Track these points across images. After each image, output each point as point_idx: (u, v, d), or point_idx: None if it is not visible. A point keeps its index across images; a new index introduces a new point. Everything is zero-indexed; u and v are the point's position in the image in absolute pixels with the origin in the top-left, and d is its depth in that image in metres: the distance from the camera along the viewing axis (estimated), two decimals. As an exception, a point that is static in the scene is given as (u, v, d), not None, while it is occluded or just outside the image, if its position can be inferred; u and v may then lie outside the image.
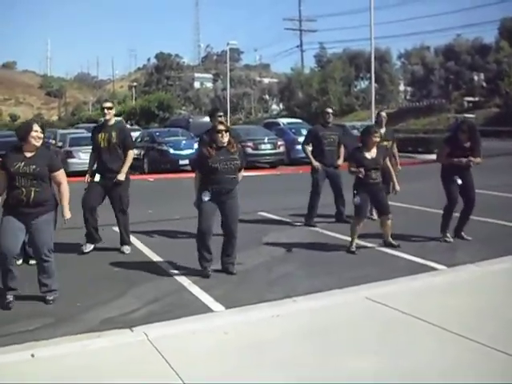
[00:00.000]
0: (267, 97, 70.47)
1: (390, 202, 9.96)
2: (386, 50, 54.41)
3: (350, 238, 7.58)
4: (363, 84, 57.60)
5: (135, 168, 18.54)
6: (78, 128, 34.07)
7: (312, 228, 9.12)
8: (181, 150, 20.08)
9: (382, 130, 9.42)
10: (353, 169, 7.44)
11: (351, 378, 3.84)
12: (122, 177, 7.60)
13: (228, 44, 49.05)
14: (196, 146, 11.81)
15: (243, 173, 7.01)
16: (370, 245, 7.83)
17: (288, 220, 9.90)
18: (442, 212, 8.06)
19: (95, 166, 7.84)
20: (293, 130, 23.37)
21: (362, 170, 7.30)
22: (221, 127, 6.47)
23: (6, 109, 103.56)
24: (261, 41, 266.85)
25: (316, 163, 9.32)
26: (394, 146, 9.73)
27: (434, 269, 6.62)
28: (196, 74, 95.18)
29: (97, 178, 7.65)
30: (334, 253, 7.57)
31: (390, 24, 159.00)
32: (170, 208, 10.97)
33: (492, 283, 6.07)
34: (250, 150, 20.59)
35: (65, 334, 4.78)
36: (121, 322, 5.08)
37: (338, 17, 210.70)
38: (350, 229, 7.67)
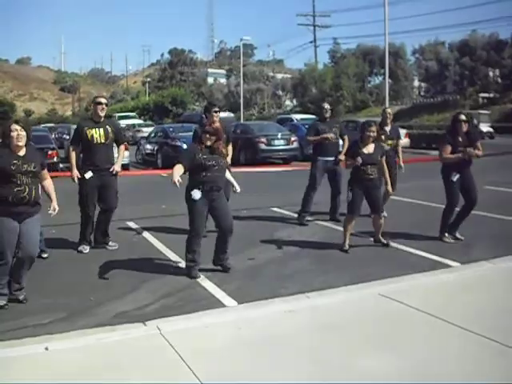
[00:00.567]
0: (280, 92, 70.21)
1: (402, 199, 9.99)
2: (400, 45, 54.10)
3: (362, 235, 7.53)
4: (377, 80, 57.38)
5: (149, 163, 18.63)
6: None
7: (324, 224, 9.09)
8: (194, 145, 20.05)
9: (388, 128, 9.31)
10: (349, 162, 7.35)
11: (363, 376, 3.82)
12: (118, 167, 7.56)
13: (241, 40, 49.08)
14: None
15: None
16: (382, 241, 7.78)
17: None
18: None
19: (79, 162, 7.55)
20: (306, 126, 23.27)
21: (359, 158, 7.19)
22: (207, 129, 6.35)
23: (21, 104, 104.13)
24: (274, 36, 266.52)
25: (321, 138, 9.12)
26: (399, 143, 9.56)
27: (447, 266, 6.58)
28: (209, 70, 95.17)
29: (88, 174, 7.37)
30: (347, 249, 7.53)
31: (404, 19, 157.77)
32: (182, 203, 10.93)
33: (506, 280, 6.03)
34: (263, 146, 20.60)
35: (78, 327, 4.82)
36: (134, 316, 5.10)
37: (352, 12, 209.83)
38: (342, 226, 7.58)
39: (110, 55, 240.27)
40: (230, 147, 8.06)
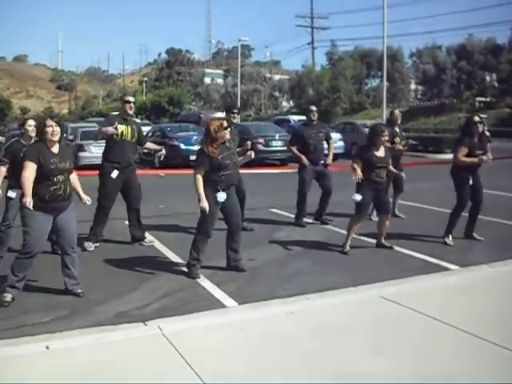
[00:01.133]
0: (277, 94, 70.28)
1: (402, 202, 10.01)
2: (398, 48, 54.11)
3: (362, 237, 7.52)
4: (374, 82, 57.39)
5: (146, 163, 18.60)
6: (88, 122, 34.14)
7: (324, 226, 9.09)
8: (192, 145, 20.04)
9: (397, 129, 9.36)
10: (355, 165, 7.24)
11: (363, 377, 3.82)
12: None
13: (239, 40, 49.12)
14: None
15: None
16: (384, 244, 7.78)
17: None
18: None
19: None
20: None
21: (359, 173, 7.12)
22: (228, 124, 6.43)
23: (17, 102, 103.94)
24: (272, 37, 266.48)
25: (305, 160, 9.05)
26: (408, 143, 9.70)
27: (447, 269, 6.59)
28: (206, 70, 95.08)
29: (114, 174, 7.54)
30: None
31: (402, 22, 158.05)
32: (181, 203, 10.96)
33: (506, 284, 6.04)
34: (260, 147, 20.55)
35: (79, 326, 4.80)
36: (134, 316, 5.09)
37: (350, 14, 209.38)
38: (347, 227, 7.56)
39: (107, 54, 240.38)
40: None
